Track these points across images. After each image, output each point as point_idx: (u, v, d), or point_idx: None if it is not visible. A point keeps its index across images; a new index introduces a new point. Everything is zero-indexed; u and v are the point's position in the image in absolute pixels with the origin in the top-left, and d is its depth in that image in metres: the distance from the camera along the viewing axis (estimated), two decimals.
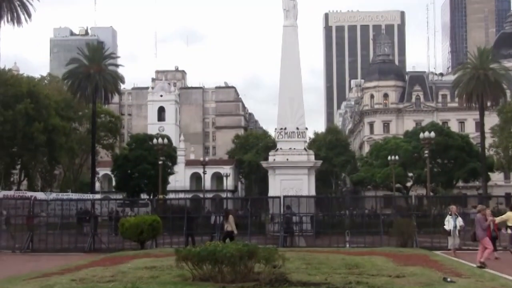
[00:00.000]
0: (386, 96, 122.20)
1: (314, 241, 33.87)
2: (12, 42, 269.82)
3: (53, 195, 58.20)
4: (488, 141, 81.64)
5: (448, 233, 29.36)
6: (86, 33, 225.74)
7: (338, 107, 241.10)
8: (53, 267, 21.49)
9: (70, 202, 42.13)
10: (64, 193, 71.70)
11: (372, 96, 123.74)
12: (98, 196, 73.92)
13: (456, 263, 22.54)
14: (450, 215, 29.50)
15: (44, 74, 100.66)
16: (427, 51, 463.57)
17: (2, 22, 63.38)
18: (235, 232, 28.13)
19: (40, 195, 54.44)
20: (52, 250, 33.00)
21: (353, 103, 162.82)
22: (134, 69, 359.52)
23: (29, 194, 56.23)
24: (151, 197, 74.59)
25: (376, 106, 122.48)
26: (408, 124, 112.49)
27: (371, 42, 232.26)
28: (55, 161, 79.20)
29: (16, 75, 76.31)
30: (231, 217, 27.96)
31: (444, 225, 29.55)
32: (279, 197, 35.88)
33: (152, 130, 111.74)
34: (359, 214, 36.94)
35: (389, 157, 75.66)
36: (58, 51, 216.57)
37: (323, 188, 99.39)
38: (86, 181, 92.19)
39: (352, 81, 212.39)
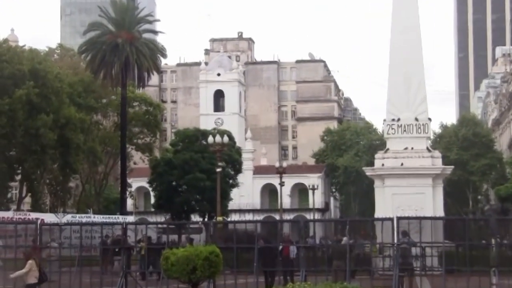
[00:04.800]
0: None
1: (444, 283, 33.60)
2: (8, 2, 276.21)
3: (68, 217, 59.27)
4: None
5: None
6: None
7: (476, 88, 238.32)
8: None
9: (92, 228, 42.79)
10: (83, 215, 72.87)
11: None
12: (131, 218, 74.92)
13: None
14: None
15: (54, 45, 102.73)
16: None
17: None
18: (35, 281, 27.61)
19: (49, 217, 55.46)
20: None
21: (498, 81, 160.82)
22: (180, 38, 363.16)
23: (34, 216, 57.30)
24: (206, 219, 75.18)
25: None
26: None
27: None
28: (69, 169, 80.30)
29: (14, 48, 77.45)
30: (30, 262, 27.39)
31: None
32: (391, 219, 35.67)
33: (207, 123, 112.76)
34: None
35: None
36: (71, 13, 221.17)
37: (455, 206, 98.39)
38: (113, 197, 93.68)
39: (497, 49, 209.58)
